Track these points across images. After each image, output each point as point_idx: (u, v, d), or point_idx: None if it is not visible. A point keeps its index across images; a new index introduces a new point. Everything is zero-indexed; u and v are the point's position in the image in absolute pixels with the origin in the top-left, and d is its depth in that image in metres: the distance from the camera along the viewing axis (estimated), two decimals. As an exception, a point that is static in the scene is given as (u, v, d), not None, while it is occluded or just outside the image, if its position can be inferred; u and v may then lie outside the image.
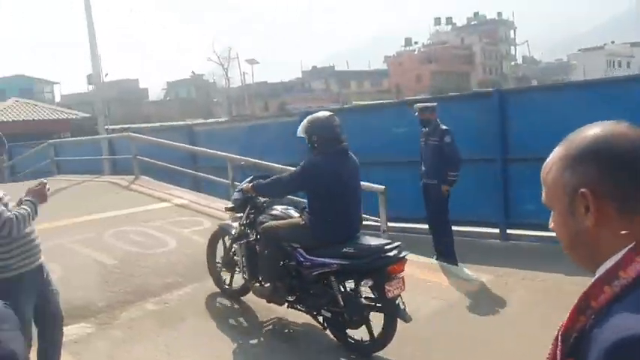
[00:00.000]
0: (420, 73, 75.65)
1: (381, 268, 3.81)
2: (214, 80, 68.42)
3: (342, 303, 3.99)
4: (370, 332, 4.02)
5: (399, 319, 3.86)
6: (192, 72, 66.56)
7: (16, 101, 24.93)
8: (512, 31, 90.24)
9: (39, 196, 3.32)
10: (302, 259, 4.14)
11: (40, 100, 47.84)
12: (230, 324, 4.55)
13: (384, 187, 6.33)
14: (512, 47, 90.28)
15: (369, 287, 3.94)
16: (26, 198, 3.29)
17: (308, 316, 4.29)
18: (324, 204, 4.05)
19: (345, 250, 3.92)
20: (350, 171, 4.16)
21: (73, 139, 13.81)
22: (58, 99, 52.75)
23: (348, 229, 4.09)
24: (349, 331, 4.12)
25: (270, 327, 4.50)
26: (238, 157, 7.78)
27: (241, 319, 4.63)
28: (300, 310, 4.33)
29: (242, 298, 4.89)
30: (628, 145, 0.88)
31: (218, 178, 7.96)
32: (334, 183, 4.01)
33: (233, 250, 4.87)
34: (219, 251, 5.09)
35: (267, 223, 4.38)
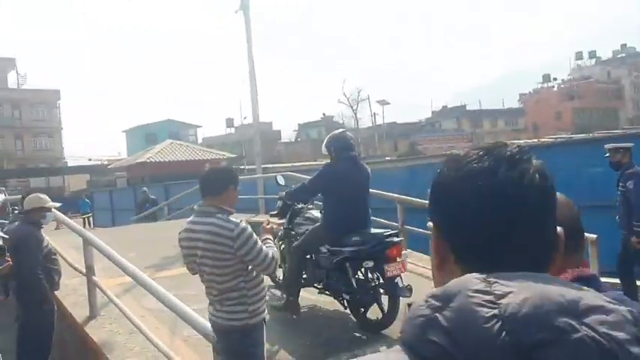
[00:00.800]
0: (561, 110, 70.81)
1: (381, 252, 4.59)
2: (344, 122, 69.62)
3: (355, 286, 4.71)
4: (382, 311, 4.68)
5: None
6: (323, 114, 68.12)
7: (171, 143, 26.80)
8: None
9: (271, 234, 3.40)
10: (324, 250, 4.96)
11: (185, 142, 51.83)
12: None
13: (595, 236, 5.13)
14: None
15: (371, 270, 4.71)
16: (265, 237, 3.26)
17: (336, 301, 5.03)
18: (336, 202, 4.78)
19: (354, 239, 4.69)
20: (360, 175, 4.95)
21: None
22: (199, 141, 56.67)
23: (358, 223, 4.80)
24: (368, 313, 4.83)
25: (306, 309, 5.27)
26: (409, 198, 7.00)
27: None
28: (327, 295, 5.11)
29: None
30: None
31: (386, 221, 7.17)
32: (345, 184, 4.76)
33: (281, 249, 5.55)
34: None
35: (294, 244, 5.19)
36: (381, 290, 4.68)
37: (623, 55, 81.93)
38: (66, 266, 5.46)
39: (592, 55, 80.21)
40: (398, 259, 4.61)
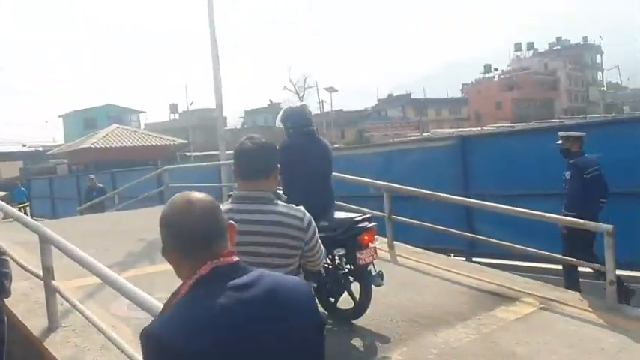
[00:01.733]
0: (501, 100, 72.91)
1: (353, 238, 4.33)
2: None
3: (324, 274, 4.37)
4: (354, 300, 4.45)
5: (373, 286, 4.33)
6: (270, 100, 67.20)
7: (117, 128, 25.30)
8: (598, 56, 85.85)
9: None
10: None
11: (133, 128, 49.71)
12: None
13: (612, 226, 4.81)
14: (599, 73, 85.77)
15: (342, 257, 4.43)
16: None
17: None
18: (297, 182, 4.27)
19: (321, 224, 3.96)
20: (320, 150, 4.57)
21: (192, 165, 13.16)
22: (142, 127, 54.46)
23: (322, 203, 4.39)
24: (338, 302, 4.53)
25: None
26: (398, 185, 6.61)
27: None
28: None
29: None
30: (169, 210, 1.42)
31: (371, 211, 6.75)
32: (305, 161, 4.38)
33: None
34: None
35: None
36: (351, 278, 4.45)
37: (559, 47, 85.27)
38: (15, 267, 4.70)
39: (530, 46, 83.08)
40: (370, 245, 4.39)
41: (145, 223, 8.28)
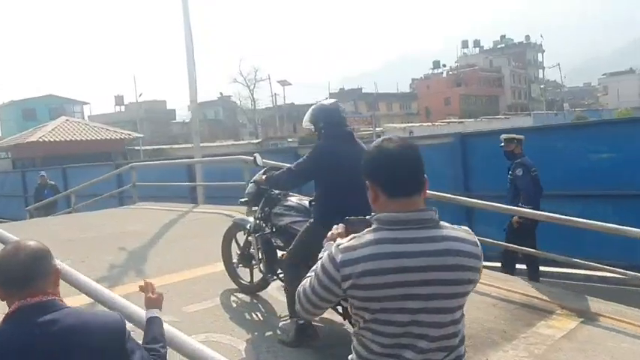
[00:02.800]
0: (449, 96, 74.40)
1: None
2: (240, 102, 67.66)
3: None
4: None
5: None
6: (220, 93, 65.81)
7: (67, 120, 23.70)
8: (540, 55, 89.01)
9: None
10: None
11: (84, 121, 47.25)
12: (245, 317, 4.36)
13: None
14: (540, 70, 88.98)
15: None
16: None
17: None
18: (335, 189, 3.86)
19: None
20: (359, 154, 3.36)
21: (160, 162, 12.32)
22: (86, 119, 51.93)
23: (361, 212, 3.27)
24: None
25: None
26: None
27: (257, 313, 4.48)
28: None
29: (259, 293, 4.77)
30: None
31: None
32: (345, 166, 3.78)
33: (250, 244, 4.78)
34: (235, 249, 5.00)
35: (284, 259, 4.21)
36: None
37: (503, 45, 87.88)
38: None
39: (477, 44, 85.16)
40: None
41: (119, 226, 7.57)
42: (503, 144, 6.34)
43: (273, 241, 4.47)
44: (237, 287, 4.84)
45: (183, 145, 40.67)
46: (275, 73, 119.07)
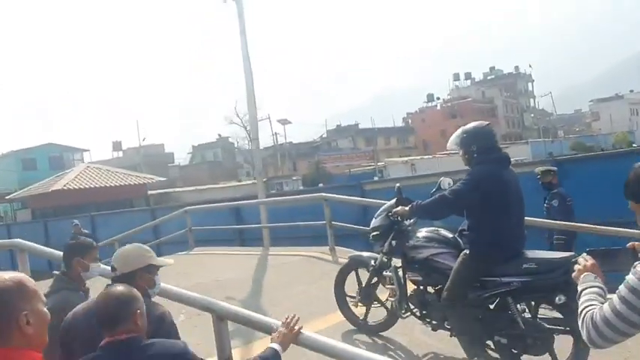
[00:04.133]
0: (445, 128, 74.92)
1: (571, 282, 3.00)
2: (238, 142, 67.62)
3: (522, 325, 3.61)
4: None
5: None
6: (219, 135, 65.74)
7: (88, 167, 23.25)
8: (530, 84, 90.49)
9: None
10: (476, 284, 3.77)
11: (70, 167, 46.68)
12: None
13: None
14: (532, 100, 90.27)
15: (558, 307, 3.54)
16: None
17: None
18: (492, 217, 3.67)
19: (525, 266, 3.58)
20: (515, 180, 3.87)
21: (212, 205, 11.91)
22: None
23: (517, 244, 3.76)
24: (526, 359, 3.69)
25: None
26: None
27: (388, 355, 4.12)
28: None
29: (382, 333, 4.49)
30: None
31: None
32: (504, 192, 3.70)
33: (373, 282, 4.56)
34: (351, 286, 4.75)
35: (444, 296, 3.83)
36: (560, 328, 3.57)
37: (493, 76, 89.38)
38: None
39: (468, 76, 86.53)
40: None
41: (208, 275, 7.01)
42: (540, 176, 6.64)
43: (408, 276, 4.24)
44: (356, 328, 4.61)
45: (190, 188, 40.30)
46: (265, 112, 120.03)
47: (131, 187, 21.25)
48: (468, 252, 3.76)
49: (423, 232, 4.24)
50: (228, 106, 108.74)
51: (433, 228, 4.31)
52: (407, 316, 4.22)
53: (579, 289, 1.87)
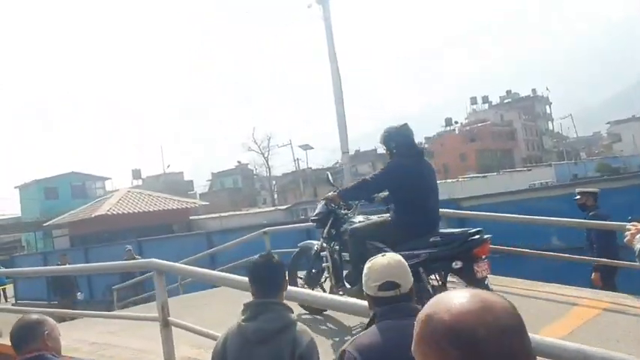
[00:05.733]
0: (464, 151, 74.37)
1: (468, 251, 4.21)
2: (256, 169, 67.21)
3: (431, 292, 4.14)
4: None
5: None
6: (238, 162, 65.52)
7: (129, 191, 22.74)
8: (547, 107, 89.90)
9: None
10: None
11: (93, 197, 46.34)
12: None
13: None
14: (550, 122, 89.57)
15: (457, 272, 4.24)
16: None
17: None
18: (407, 200, 4.53)
19: (432, 239, 4.32)
20: (428, 170, 4.77)
21: (290, 226, 11.16)
22: (106, 194, 51.06)
23: (430, 221, 4.56)
24: None
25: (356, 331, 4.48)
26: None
27: (324, 327, 4.76)
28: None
29: (325, 312, 4.98)
30: None
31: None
32: (416, 180, 4.53)
33: (317, 269, 5.19)
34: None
35: (354, 225, 4.75)
36: None
37: (510, 100, 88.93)
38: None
39: (485, 99, 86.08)
40: (483, 258, 4.29)
41: None
42: (578, 197, 6.66)
43: (344, 257, 4.89)
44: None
45: (213, 215, 39.74)
46: (282, 138, 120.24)
47: (174, 211, 20.62)
48: (388, 219, 4.65)
49: (357, 218, 4.94)
50: (246, 132, 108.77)
51: (365, 216, 5.01)
52: (343, 294, 4.53)
53: (636, 248, 2.32)
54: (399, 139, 4.63)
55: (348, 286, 4.74)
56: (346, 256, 4.82)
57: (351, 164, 58.09)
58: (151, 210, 19.44)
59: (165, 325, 3.84)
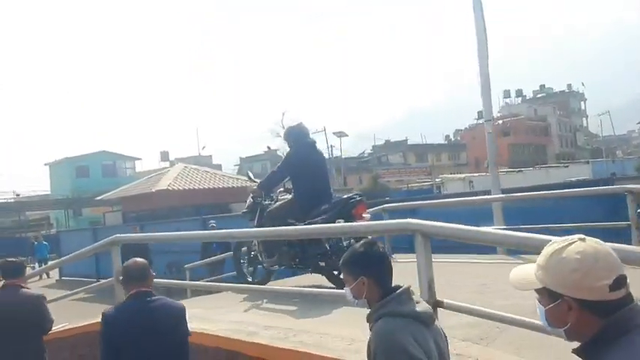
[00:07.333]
0: (497, 145, 72.46)
1: (349, 211, 5.28)
2: (283, 156, 66.05)
3: (328, 249, 5.29)
4: None
5: None
6: (268, 147, 64.45)
7: (185, 167, 21.68)
8: (582, 103, 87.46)
9: None
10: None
11: (123, 176, 45.68)
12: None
13: None
14: (584, 119, 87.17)
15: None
16: None
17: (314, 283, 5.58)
18: (303, 181, 5.63)
19: (323, 207, 5.40)
20: (318, 157, 6.04)
21: (414, 202, 9.99)
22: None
23: (323, 196, 5.59)
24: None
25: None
26: None
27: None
28: (303, 270, 6.05)
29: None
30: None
31: None
32: (309, 166, 5.67)
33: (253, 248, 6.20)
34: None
35: (269, 208, 5.90)
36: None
37: (544, 94, 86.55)
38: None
39: (519, 93, 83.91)
40: (364, 216, 5.28)
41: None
42: None
43: None
44: None
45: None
46: (312, 124, 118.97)
47: (233, 189, 19.49)
48: (290, 198, 5.76)
49: (269, 203, 5.96)
50: (275, 117, 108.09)
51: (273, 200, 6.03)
52: (268, 267, 6.05)
53: None
54: (295, 133, 5.86)
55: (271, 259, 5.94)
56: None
57: (382, 154, 56.42)
58: (210, 187, 18.35)
59: (433, 307, 2.70)
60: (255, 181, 6.29)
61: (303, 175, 5.52)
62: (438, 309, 2.76)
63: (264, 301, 5.24)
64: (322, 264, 5.35)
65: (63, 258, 8.64)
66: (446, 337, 2.15)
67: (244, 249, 6.22)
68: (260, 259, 5.95)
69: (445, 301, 2.79)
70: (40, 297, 4.73)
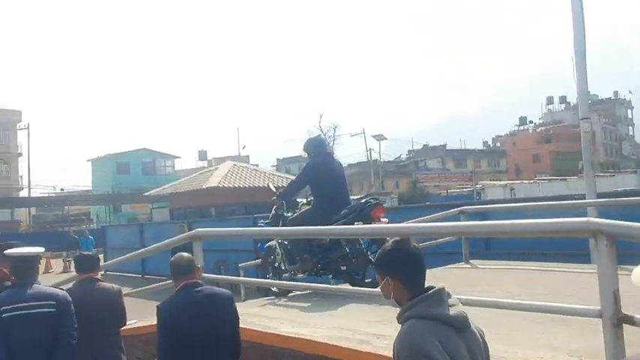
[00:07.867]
0: (538, 152, 70.58)
1: (367, 213, 5.44)
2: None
3: (348, 252, 5.47)
4: None
5: None
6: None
7: (234, 165, 21.55)
8: (629, 111, 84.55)
9: None
10: None
11: (162, 174, 46.09)
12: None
13: None
14: (630, 127, 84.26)
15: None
16: None
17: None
18: (322, 189, 5.84)
19: (343, 212, 5.55)
20: (336, 166, 6.19)
21: (491, 206, 9.49)
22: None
23: (342, 203, 5.76)
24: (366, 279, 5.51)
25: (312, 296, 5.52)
26: None
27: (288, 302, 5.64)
28: (325, 274, 5.95)
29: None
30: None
31: None
32: (327, 173, 5.88)
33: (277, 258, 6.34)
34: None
35: (288, 218, 6.06)
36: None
37: (589, 102, 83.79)
38: None
39: (562, 100, 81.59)
40: (382, 218, 5.40)
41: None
42: None
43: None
44: None
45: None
46: (345, 127, 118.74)
47: (282, 189, 19.16)
48: (309, 207, 6.02)
49: (289, 213, 6.26)
50: (311, 119, 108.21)
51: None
52: (292, 275, 6.03)
53: None
54: (314, 145, 6.17)
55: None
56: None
57: (420, 158, 55.31)
58: (260, 186, 18.06)
59: (618, 323, 2.19)
60: (276, 191, 6.44)
61: (322, 183, 5.77)
62: (624, 325, 2.26)
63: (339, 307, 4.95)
64: (343, 268, 5.52)
65: (142, 250, 8.44)
66: (486, 344, 2.03)
67: (271, 258, 6.35)
68: (283, 267, 6.07)
69: (636, 316, 2.27)
70: (118, 290, 4.47)
